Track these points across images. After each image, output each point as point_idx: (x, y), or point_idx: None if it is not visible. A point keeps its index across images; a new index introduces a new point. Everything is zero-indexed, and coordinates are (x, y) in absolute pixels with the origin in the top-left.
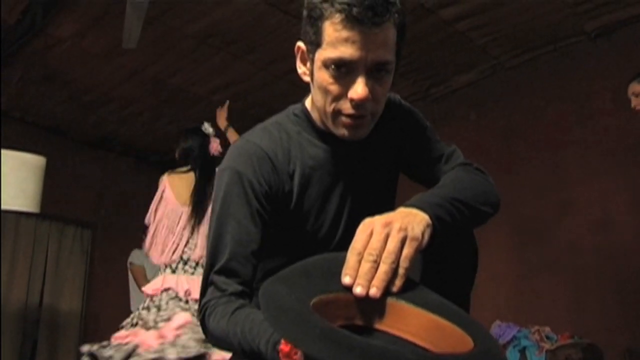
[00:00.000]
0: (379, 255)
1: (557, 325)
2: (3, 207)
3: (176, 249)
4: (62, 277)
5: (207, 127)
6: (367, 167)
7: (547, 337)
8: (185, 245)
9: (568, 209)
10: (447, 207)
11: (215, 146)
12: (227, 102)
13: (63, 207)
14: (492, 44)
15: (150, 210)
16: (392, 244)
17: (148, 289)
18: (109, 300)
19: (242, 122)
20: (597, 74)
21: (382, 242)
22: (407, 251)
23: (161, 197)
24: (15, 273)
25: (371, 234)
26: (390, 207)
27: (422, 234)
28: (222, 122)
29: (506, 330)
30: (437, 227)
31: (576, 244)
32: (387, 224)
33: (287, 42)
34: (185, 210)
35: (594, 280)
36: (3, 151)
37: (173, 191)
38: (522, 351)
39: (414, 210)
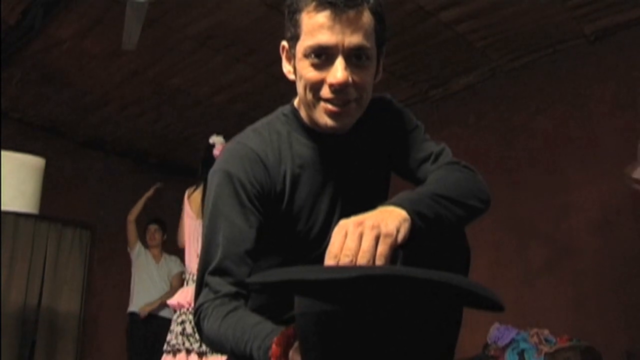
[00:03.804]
0: (355, 255)
1: (556, 328)
2: (2, 208)
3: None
4: (61, 278)
5: (212, 138)
6: (357, 164)
7: (546, 340)
8: None
9: (567, 211)
10: (428, 202)
11: (220, 149)
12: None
13: (62, 208)
14: (492, 47)
15: (179, 233)
16: (366, 243)
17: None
18: (108, 302)
19: (242, 123)
20: (596, 77)
21: (357, 241)
22: (381, 249)
23: (183, 214)
24: (13, 274)
25: (346, 235)
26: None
27: (397, 230)
28: None
29: (505, 332)
30: (417, 222)
31: (575, 246)
32: (360, 223)
33: None
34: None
35: (593, 283)
36: (2, 152)
37: (191, 206)
38: (521, 354)
39: (390, 207)
